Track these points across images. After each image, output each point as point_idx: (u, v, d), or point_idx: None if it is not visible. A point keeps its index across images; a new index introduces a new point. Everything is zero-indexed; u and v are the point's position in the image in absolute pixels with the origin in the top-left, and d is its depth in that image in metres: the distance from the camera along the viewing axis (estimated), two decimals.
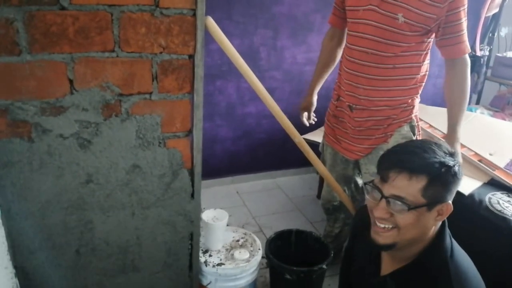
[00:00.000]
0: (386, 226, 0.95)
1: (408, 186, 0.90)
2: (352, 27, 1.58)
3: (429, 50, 1.57)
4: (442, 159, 0.91)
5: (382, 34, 1.48)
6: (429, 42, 1.55)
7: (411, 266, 0.98)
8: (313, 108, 1.95)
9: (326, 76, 1.90)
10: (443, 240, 0.96)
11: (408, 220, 0.91)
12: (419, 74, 1.58)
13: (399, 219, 0.92)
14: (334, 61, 1.86)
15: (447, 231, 0.98)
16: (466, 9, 1.46)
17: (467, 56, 1.54)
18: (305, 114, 1.94)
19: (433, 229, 0.96)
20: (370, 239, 0.99)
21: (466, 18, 1.47)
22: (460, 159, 1.54)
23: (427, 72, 1.62)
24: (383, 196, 0.93)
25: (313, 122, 1.96)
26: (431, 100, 3.15)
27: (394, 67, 1.53)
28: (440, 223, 0.97)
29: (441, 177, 0.90)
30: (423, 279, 0.95)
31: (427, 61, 1.59)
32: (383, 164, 0.96)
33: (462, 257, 0.97)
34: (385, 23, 1.46)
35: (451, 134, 1.60)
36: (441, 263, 0.93)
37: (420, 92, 1.63)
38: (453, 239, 0.99)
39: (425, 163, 0.90)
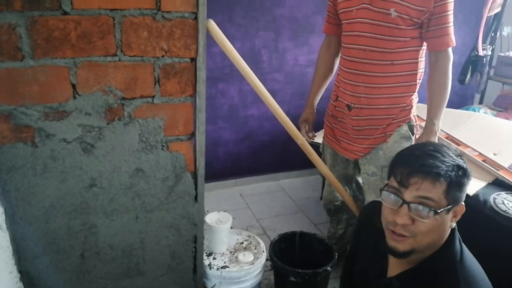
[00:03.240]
0: (406, 234, 0.91)
1: (431, 190, 0.89)
2: (348, 28, 1.60)
3: (424, 47, 1.58)
4: (457, 162, 0.91)
5: (378, 31, 1.50)
6: None
7: (418, 269, 0.97)
8: (313, 119, 1.89)
9: (325, 87, 1.87)
10: (452, 244, 0.95)
11: (430, 225, 0.89)
12: (417, 70, 1.59)
13: (420, 225, 0.89)
14: (332, 71, 1.85)
15: (457, 235, 0.97)
16: (453, 3, 1.47)
17: (450, 50, 1.53)
18: (306, 126, 1.88)
19: (448, 228, 0.95)
20: (387, 247, 0.96)
21: (452, 11, 1.48)
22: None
23: (424, 69, 1.63)
24: (404, 202, 0.90)
25: (314, 138, 1.92)
26: None
27: (393, 63, 1.54)
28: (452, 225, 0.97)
29: (459, 180, 0.91)
30: (431, 282, 0.94)
31: (423, 58, 1.60)
32: (402, 168, 0.93)
33: (471, 261, 0.96)
34: (379, 19, 1.48)
35: (429, 127, 1.58)
36: (450, 267, 0.92)
37: (417, 89, 1.63)
38: (463, 243, 0.98)
39: (446, 167, 0.90)
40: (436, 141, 1.58)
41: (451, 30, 1.50)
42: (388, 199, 0.94)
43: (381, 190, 0.97)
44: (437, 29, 1.48)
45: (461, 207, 0.94)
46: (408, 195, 0.90)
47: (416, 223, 0.90)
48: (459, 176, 0.91)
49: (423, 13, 1.45)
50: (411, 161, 0.92)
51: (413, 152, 0.95)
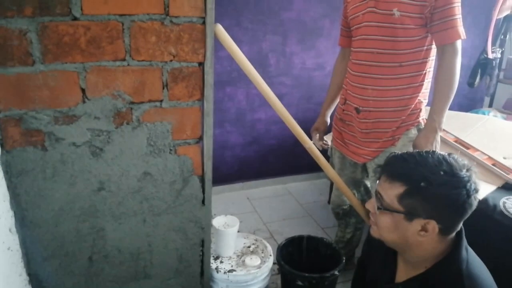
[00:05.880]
0: (373, 220, 1.01)
1: (387, 189, 0.95)
2: (356, 32, 1.61)
3: (432, 46, 1.55)
4: (429, 174, 0.88)
5: (384, 32, 1.50)
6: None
7: (424, 276, 0.96)
8: (324, 128, 1.92)
9: (338, 98, 1.88)
10: (458, 251, 0.94)
11: (383, 221, 0.96)
12: (425, 70, 1.57)
13: (377, 217, 0.98)
14: None
15: (464, 242, 0.96)
16: None
17: (457, 44, 1.47)
18: (317, 135, 1.91)
19: (426, 241, 0.93)
20: None
21: (458, 3, 1.43)
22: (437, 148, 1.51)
23: (432, 69, 1.61)
24: (376, 191, 1.00)
25: (327, 146, 1.93)
26: None
27: (401, 65, 1.53)
28: (449, 237, 0.95)
29: (419, 191, 0.89)
30: None
31: (431, 57, 1.58)
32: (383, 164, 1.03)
33: (479, 268, 0.94)
34: (384, 21, 1.49)
35: (428, 123, 1.53)
36: (456, 275, 0.91)
37: (423, 90, 1.60)
38: (469, 250, 0.97)
39: (404, 172, 0.92)
40: (438, 139, 1.54)
41: (457, 23, 1.44)
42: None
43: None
44: (441, 22, 1.44)
45: (432, 225, 0.90)
46: (377, 186, 1.00)
47: (377, 214, 0.98)
48: (419, 187, 0.88)
49: (425, 8, 1.43)
50: (389, 161, 0.99)
51: (403, 154, 0.99)
